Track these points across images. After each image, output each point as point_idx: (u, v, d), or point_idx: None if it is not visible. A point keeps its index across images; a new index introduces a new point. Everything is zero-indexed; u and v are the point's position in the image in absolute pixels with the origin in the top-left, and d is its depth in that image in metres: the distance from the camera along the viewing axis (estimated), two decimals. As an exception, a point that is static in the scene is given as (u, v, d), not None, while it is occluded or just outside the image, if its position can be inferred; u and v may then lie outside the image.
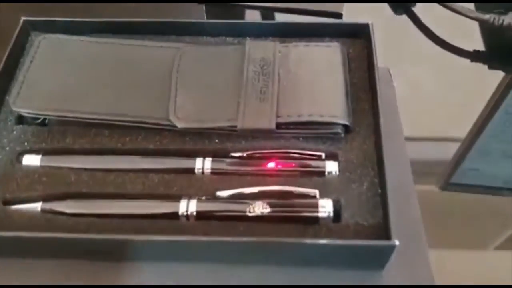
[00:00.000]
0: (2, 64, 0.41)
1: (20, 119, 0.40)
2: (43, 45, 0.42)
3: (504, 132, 0.47)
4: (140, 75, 0.40)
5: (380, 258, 0.33)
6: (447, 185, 0.45)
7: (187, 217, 0.35)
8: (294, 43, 0.42)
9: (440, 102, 0.48)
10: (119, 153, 0.38)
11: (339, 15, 0.52)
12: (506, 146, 0.45)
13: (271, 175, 0.37)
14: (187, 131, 0.38)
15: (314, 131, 0.38)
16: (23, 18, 0.44)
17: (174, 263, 0.35)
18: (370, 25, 0.41)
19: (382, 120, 0.36)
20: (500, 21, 0.45)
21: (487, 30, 0.50)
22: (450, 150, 0.46)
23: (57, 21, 0.43)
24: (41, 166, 0.38)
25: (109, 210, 0.36)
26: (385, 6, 0.53)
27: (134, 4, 0.53)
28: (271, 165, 0.37)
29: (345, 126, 0.37)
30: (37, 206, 0.36)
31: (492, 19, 0.46)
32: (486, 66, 0.50)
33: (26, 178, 0.37)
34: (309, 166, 0.37)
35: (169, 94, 0.39)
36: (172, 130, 0.38)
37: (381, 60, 0.40)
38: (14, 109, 0.38)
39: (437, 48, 0.51)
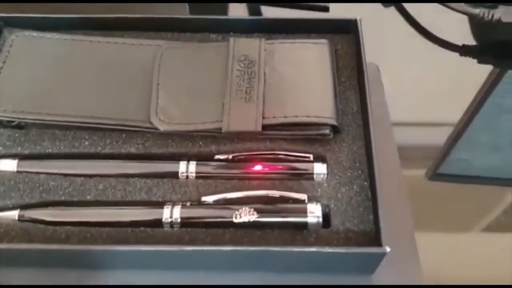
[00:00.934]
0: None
1: (-5, 122, 0.38)
2: (17, 43, 0.40)
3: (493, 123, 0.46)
4: (120, 75, 0.38)
5: (370, 264, 0.32)
6: (435, 176, 0.44)
7: (171, 224, 0.34)
8: (280, 40, 0.40)
9: (430, 94, 0.47)
10: (99, 158, 0.37)
11: (326, 8, 0.50)
12: (494, 138, 0.45)
13: (257, 178, 0.36)
14: (170, 133, 0.37)
15: (301, 132, 0.36)
16: (-5, 14, 0.42)
17: (158, 271, 0.34)
18: (358, 21, 0.40)
19: (371, 121, 0.35)
20: (490, 16, 0.44)
21: (477, 24, 0.49)
22: (439, 141, 0.45)
23: (32, 17, 0.41)
24: (18, 172, 0.36)
25: (90, 218, 0.34)
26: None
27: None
28: (257, 168, 0.36)
29: (333, 127, 0.36)
30: (14, 214, 0.34)
31: (482, 14, 0.45)
32: (475, 60, 0.49)
33: (2, 185, 0.35)
34: (297, 168, 0.36)
35: (150, 95, 0.37)
36: (155, 133, 0.37)
37: (369, 55, 0.38)
38: (-13, 112, 0.37)
39: (427, 42, 0.50)
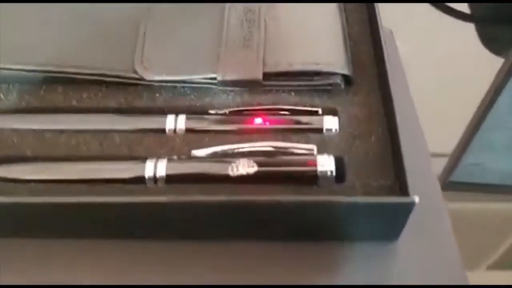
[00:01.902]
0: None
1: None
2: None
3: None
4: (102, 24, 0.34)
5: (395, 223, 0.27)
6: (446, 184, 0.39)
7: (155, 180, 0.28)
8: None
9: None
10: (72, 112, 0.32)
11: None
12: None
13: (257, 134, 0.30)
14: (157, 85, 0.32)
15: (308, 82, 0.32)
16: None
17: (132, 243, 0.28)
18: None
19: (389, 69, 0.31)
20: None
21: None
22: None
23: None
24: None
25: (57, 175, 0.29)
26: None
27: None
28: (257, 121, 0.31)
29: (345, 77, 0.31)
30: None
31: None
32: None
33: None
34: (303, 122, 0.31)
35: (135, 42, 0.32)
36: (139, 85, 0.32)
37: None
38: None
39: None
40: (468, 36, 0.48)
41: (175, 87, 0.32)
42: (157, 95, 0.32)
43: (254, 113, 0.31)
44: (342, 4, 0.36)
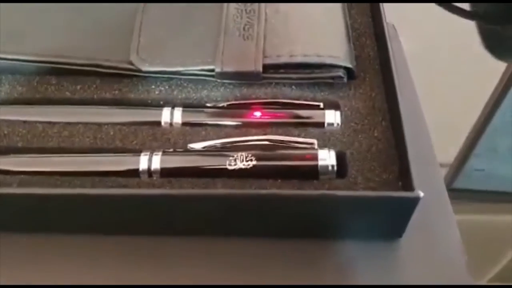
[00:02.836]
0: None
1: None
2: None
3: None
4: (97, 14, 0.33)
5: (400, 218, 0.26)
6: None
7: (150, 173, 0.27)
8: None
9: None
10: (66, 104, 0.31)
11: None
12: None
13: (256, 127, 0.29)
14: (153, 76, 0.31)
15: (310, 75, 0.31)
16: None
17: (124, 238, 0.27)
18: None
19: (393, 61, 0.30)
20: None
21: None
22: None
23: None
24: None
25: (49, 166, 0.28)
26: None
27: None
28: (256, 115, 0.30)
29: (347, 70, 0.30)
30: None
31: None
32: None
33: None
34: (305, 117, 0.30)
35: (132, 33, 0.31)
36: (135, 76, 0.31)
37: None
38: None
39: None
40: (473, 37, 0.47)
41: (171, 79, 0.31)
42: (153, 87, 0.31)
43: (253, 106, 0.30)
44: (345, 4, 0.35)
